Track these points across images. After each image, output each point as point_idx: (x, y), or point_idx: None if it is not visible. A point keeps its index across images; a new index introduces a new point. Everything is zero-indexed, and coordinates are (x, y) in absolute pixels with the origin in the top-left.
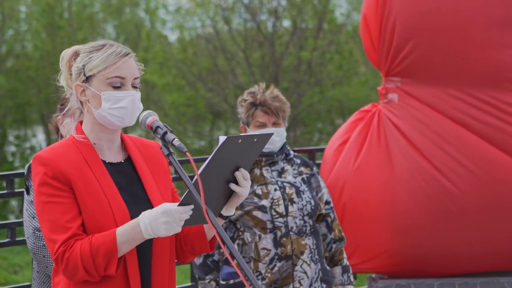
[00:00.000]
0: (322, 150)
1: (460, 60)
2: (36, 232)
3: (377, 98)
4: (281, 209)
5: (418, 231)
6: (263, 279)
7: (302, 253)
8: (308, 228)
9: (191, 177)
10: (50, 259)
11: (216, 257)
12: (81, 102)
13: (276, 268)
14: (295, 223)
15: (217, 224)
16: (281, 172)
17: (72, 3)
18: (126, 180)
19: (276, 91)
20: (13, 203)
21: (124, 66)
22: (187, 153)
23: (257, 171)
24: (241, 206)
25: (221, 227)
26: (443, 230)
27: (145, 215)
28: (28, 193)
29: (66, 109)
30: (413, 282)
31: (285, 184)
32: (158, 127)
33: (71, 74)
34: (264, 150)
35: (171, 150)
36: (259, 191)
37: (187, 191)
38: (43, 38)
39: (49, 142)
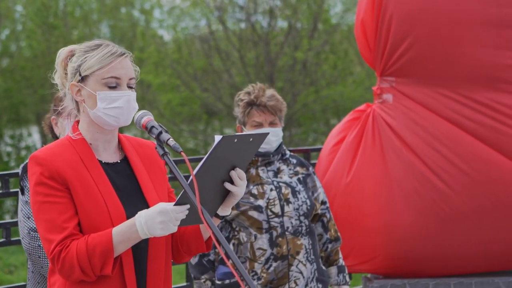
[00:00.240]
0: (318, 150)
1: (454, 60)
2: (31, 233)
3: (371, 98)
4: (277, 209)
5: (413, 233)
6: (258, 279)
7: (297, 253)
8: (304, 228)
9: (187, 177)
10: (45, 260)
11: (211, 257)
12: (77, 102)
13: (271, 268)
14: (291, 223)
15: (212, 224)
16: (277, 172)
17: (67, 3)
18: (122, 180)
19: (273, 91)
20: (8, 203)
21: (119, 66)
22: (182, 153)
23: (253, 171)
24: (237, 206)
25: (216, 227)
26: (438, 231)
27: (141, 214)
28: (23, 193)
29: (60, 108)
30: (408, 282)
31: (281, 184)
32: (153, 127)
33: (66, 73)
34: (260, 150)
35: (166, 150)
36: (255, 191)
37: (182, 191)
38: (38, 38)
39: (44, 142)
